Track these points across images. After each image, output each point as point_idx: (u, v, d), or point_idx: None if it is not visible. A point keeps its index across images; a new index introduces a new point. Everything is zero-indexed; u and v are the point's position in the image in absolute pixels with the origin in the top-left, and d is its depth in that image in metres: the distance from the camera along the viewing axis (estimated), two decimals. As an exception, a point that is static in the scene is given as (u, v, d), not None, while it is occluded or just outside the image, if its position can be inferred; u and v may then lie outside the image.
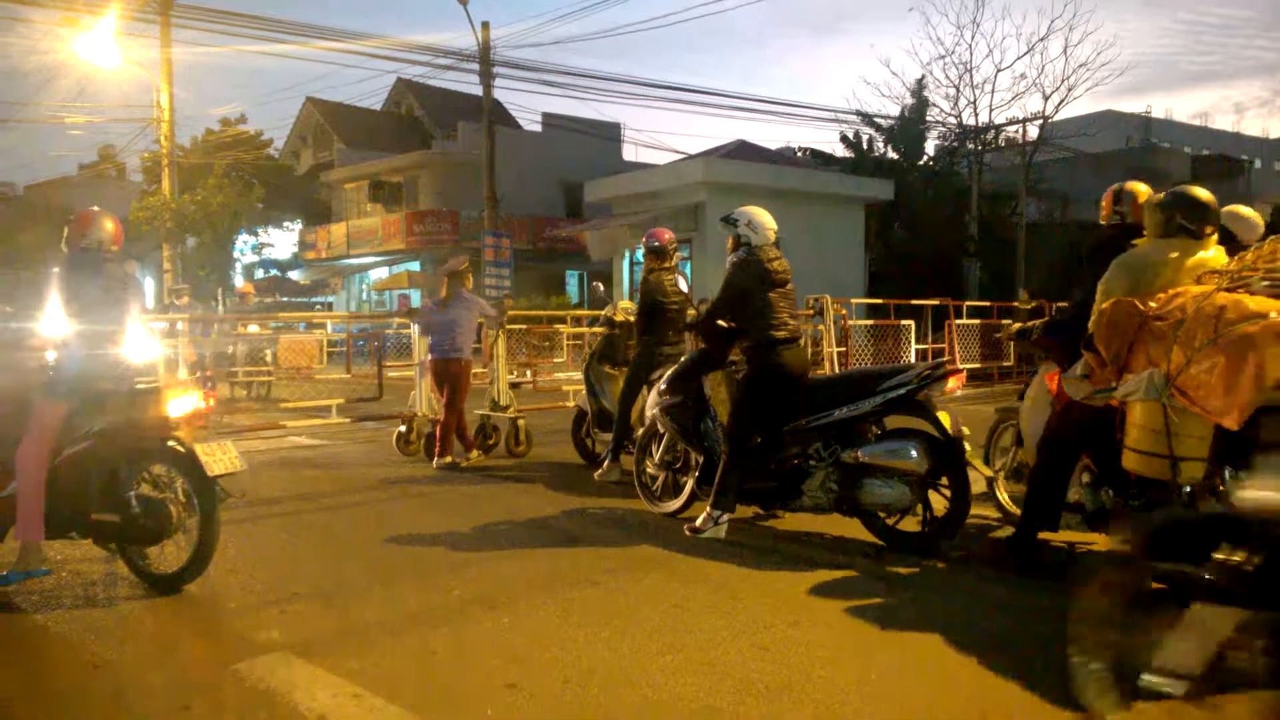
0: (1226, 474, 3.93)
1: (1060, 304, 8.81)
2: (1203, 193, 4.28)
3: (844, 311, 12.87)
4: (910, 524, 5.04)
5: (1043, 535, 4.71)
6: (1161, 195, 4.37)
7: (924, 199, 30.69)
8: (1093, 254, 4.71)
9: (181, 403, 4.37)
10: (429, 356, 8.04)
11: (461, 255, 7.01)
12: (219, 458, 4.29)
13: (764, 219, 5.42)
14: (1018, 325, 5.35)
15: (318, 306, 32.18)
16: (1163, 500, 4.12)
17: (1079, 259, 4.90)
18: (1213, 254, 4.20)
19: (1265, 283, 3.83)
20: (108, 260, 4.63)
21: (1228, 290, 3.86)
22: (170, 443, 4.36)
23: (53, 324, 4.47)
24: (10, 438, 4.37)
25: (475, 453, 8.09)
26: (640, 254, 7.81)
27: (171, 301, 15.88)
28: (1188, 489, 3.96)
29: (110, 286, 4.56)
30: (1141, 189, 4.80)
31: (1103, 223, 4.96)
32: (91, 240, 4.62)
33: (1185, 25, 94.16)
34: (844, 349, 12.64)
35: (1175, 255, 4.17)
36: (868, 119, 32.05)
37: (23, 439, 4.33)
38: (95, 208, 4.79)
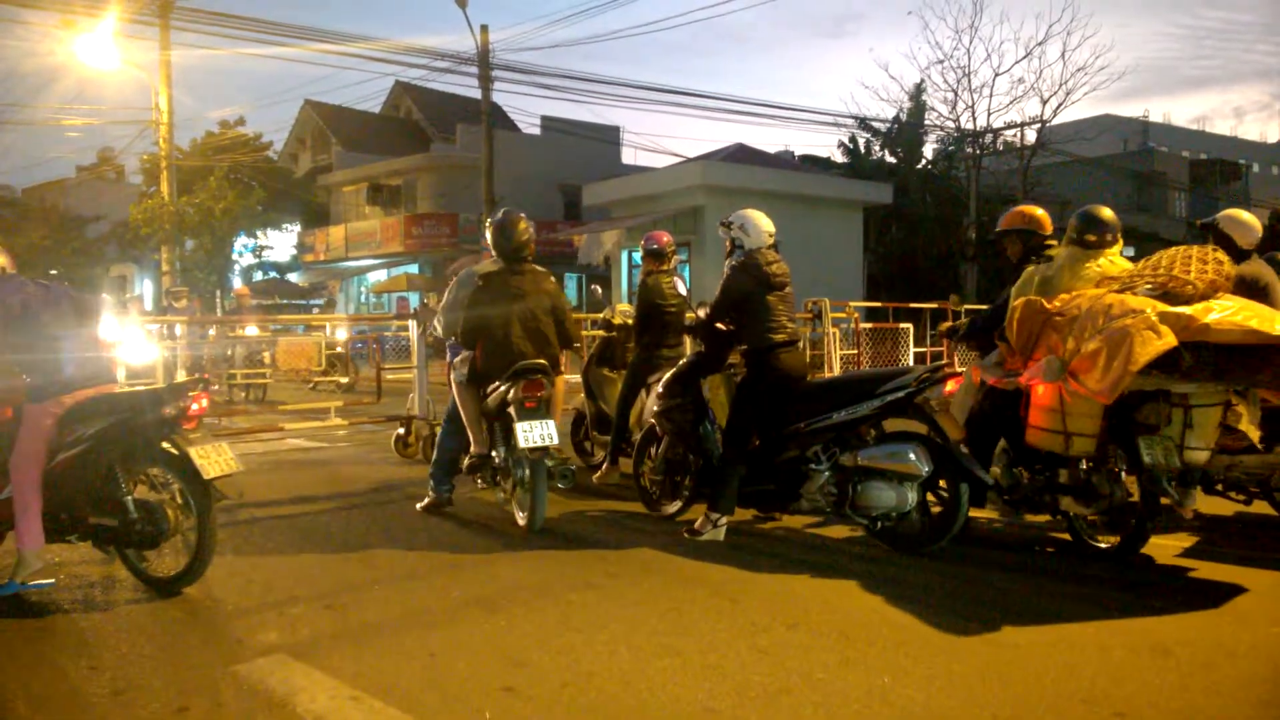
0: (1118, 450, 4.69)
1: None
2: (1105, 211, 5.00)
3: (856, 315, 12.87)
4: (909, 526, 5.04)
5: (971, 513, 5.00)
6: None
7: (922, 203, 30.75)
8: (1019, 264, 5.44)
9: (174, 405, 4.35)
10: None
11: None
12: (214, 460, 4.28)
13: (759, 222, 5.43)
14: (948, 325, 6.16)
15: (315, 309, 32.16)
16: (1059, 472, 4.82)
17: (1012, 268, 5.54)
18: (1113, 262, 4.87)
19: (1147, 286, 4.50)
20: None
21: (1117, 292, 4.47)
22: (165, 445, 4.35)
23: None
24: (4, 443, 4.36)
25: None
26: (638, 257, 7.82)
27: (169, 304, 15.87)
28: (1084, 463, 4.70)
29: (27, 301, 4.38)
30: (1039, 212, 5.59)
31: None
32: None
33: (1186, 30, 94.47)
34: (855, 351, 12.63)
35: (1078, 264, 4.88)
36: (865, 123, 32.12)
37: (16, 444, 4.32)
38: None
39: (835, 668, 3.42)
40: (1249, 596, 4.24)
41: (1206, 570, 4.68)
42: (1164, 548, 5.05)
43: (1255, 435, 4.76)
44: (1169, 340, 4.08)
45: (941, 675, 3.33)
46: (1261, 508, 5.57)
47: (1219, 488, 5.47)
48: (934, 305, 15.45)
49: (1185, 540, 5.25)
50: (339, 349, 15.43)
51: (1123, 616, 3.93)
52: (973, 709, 3.07)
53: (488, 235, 6.18)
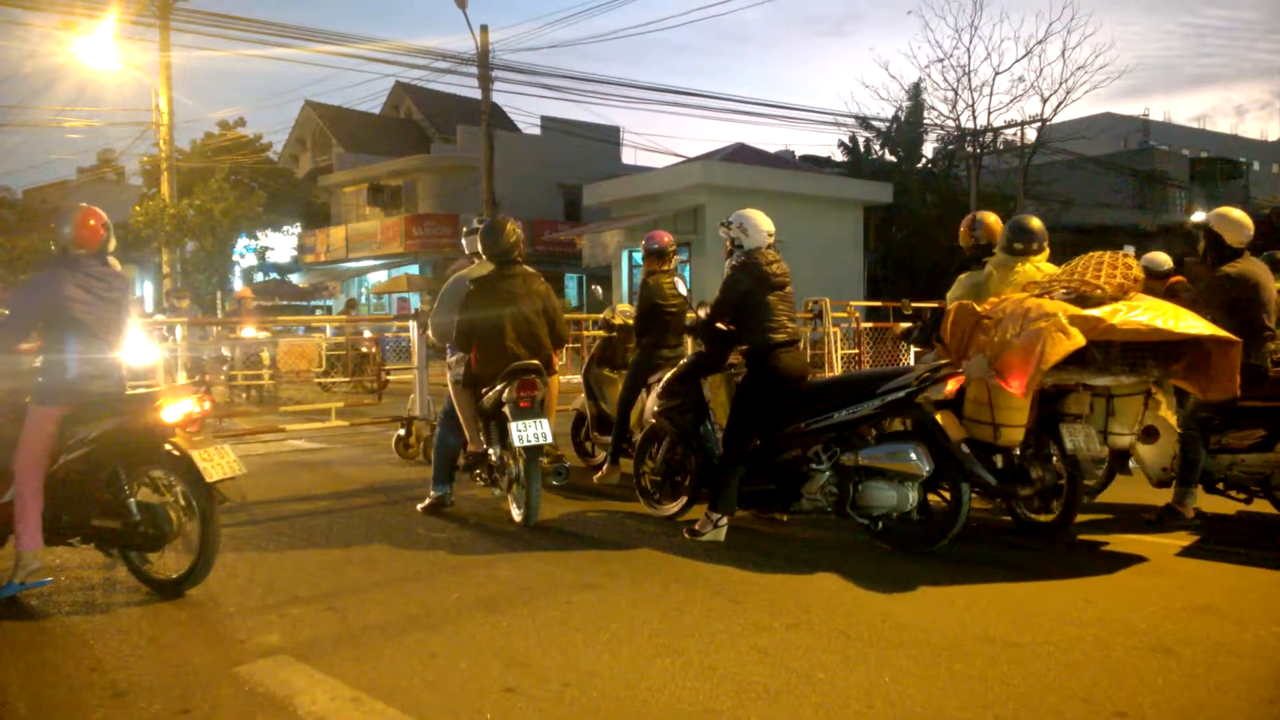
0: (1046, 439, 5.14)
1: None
2: (1034, 221, 5.51)
3: (857, 315, 12.86)
4: (910, 526, 5.04)
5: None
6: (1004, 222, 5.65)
7: (922, 202, 30.75)
8: (958, 270, 5.92)
9: (177, 407, 4.33)
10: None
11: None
12: (217, 462, 4.27)
13: (759, 221, 5.42)
14: (905, 327, 6.73)
15: (318, 310, 32.16)
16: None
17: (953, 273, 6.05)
18: (1039, 268, 5.32)
19: (1062, 291, 4.92)
20: (87, 259, 4.44)
21: (1037, 296, 4.88)
22: (167, 448, 4.35)
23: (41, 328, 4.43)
24: (7, 445, 4.36)
25: None
26: (639, 257, 7.82)
27: (172, 304, 15.85)
28: (1016, 451, 5.06)
29: (93, 286, 4.41)
30: (992, 218, 5.98)
31: (962, 245, 6.07)
32: (66, 240, 4.42)
33: (1189, 28, 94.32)
34: (857, 351, 12.61)
35: (1007, 269, 5.39)
36: (866, 122, 32.12)
37: (18, 446, 4.31)
38: (81, 204, 4.57)
39: (836, 668, 3.41)
40: (1250, 596, 4.23)
41: (1185, 566, 4.69)
42: (1164, 546, 5.05)
43: (1173, 420, 5.30)
44: (1078, 340, 4.47)
45: (943, 675, 3.33)
46: (1265, 507, 5.57)
47: (1220, 486, 5.50)
48: (934, 304, 15.41)
49: (1184, 539, 5.25)
50: (365, 349, 15.14)
51: (1123, 616, 3.93)
52: (974, 709, 3.06)
53: (466, 242, 6.31)
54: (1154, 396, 5.29)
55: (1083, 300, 4.79)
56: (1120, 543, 5.17)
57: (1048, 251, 5.47)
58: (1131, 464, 5.92)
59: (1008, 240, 5.45)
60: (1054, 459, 5.15)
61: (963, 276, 5.75)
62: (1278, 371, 5.35)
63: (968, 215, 6.19)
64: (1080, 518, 5.41)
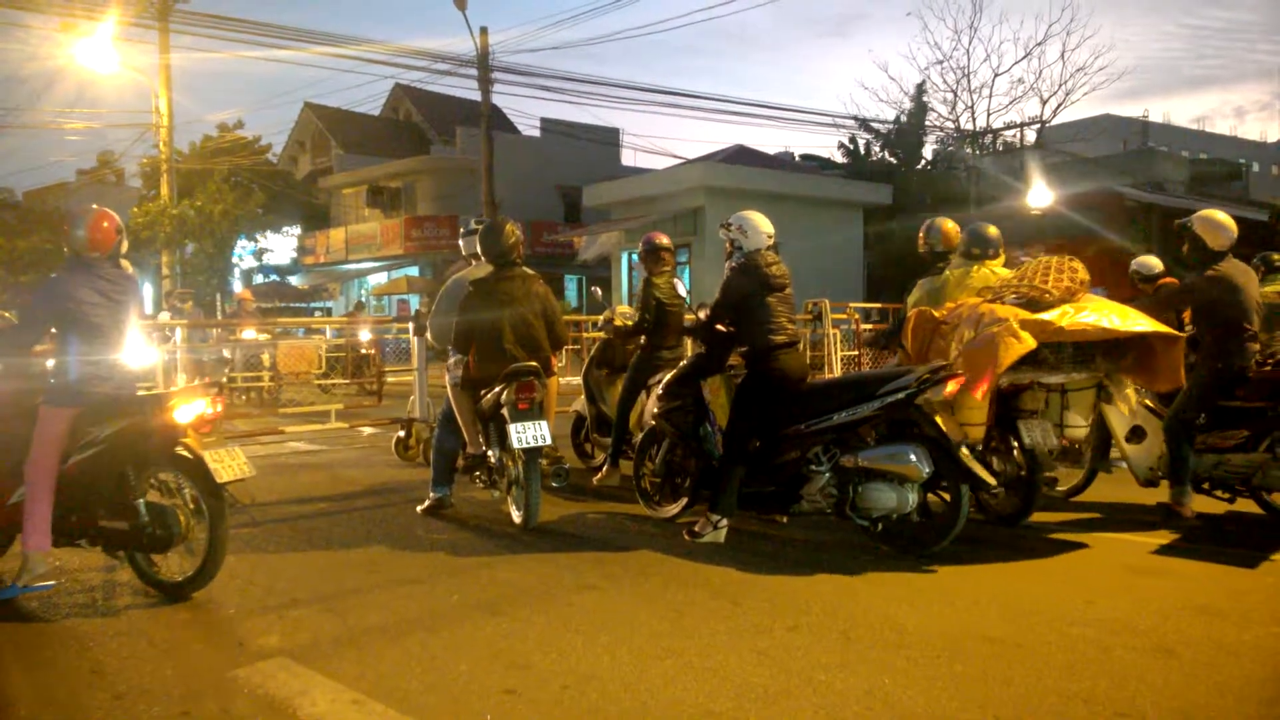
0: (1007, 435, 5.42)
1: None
2: (990, 229, 5.79)
3: (856, 316, 12.86)
4: (910, 527, 5.04)
5: None
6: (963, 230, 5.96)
7: (922, 203, 30.75)
8: (916, 275, 6.23)
9: (189, 408, 4.34)
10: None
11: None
12: (227, 464, 4.28)
13: (758, 223, 5.42)
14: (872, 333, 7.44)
15: (317, 312, 32.16)
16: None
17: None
18: (994, 273, 5.62)
19: (1013, 296, 5.28)
20: (100, 262, 4.46)
21: (990, 302, 5.26)
22: (178, 449, 4.35)
23: (53, 330, 4.45)
24: (19, 445, 4.36)
25: None
26: (638, 258, 7.82)
27: (175, 305, 15.83)
28: (979, 447, 5.18)
29: (105, 289, 4.44)
30: (949, 225, 6.24)
31: (920, 251, 6.33)
32: (80, 242, 4.42)
33: (1188, 29, 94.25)
34: (855, 352, 12.61)
35: (964, 275, 5.68)
36: (865, 124, 32.13)
37: (30, 446, 4.31)
38: (94, 206, 4.57)
39: (836, 669, 3.41)
40: (1251, 597, 4.23)
41: (1185, 567, 4.69)
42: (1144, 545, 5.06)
43: (1126, 410, 5.63)
44: (1029, 344, 4.82)
45: (943, 676, 3.33)
46: (1250, 506, 5.67)
47: (1205, 486, 5.62)
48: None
49: (1164, 537, 5.28)
50: (364, 350, 15.09)
51: (1123, 617, 3.93)
52: (974, 710, 3.06)
53: (464, 243, 6.31)
54: (1106, 389, 5.64)
55: (1033, 304, 5.13)
56: (1117, 543, 5.17)
57: (1004, 257, 5.80)
58: (1118, 462, 6.02)
59: (966, 246, 5.78)
60: (1014, 452, 5.45)
61: (921, 282, 6.03)
62: (1262, 372, 5.44)
63: (925, 221, 6.46)
64: (1069, 517, 5.77)
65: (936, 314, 5.37)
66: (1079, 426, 5.75)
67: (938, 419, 4.92)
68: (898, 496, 4.90)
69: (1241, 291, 5.42)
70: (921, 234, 6.31)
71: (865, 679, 3.32)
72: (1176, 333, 5.31)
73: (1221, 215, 5.60)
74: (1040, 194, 19.90)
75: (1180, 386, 5.38)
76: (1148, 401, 5.83)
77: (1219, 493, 5.62)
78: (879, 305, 15.38)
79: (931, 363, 5.14)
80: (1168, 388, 5.42)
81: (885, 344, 6.36)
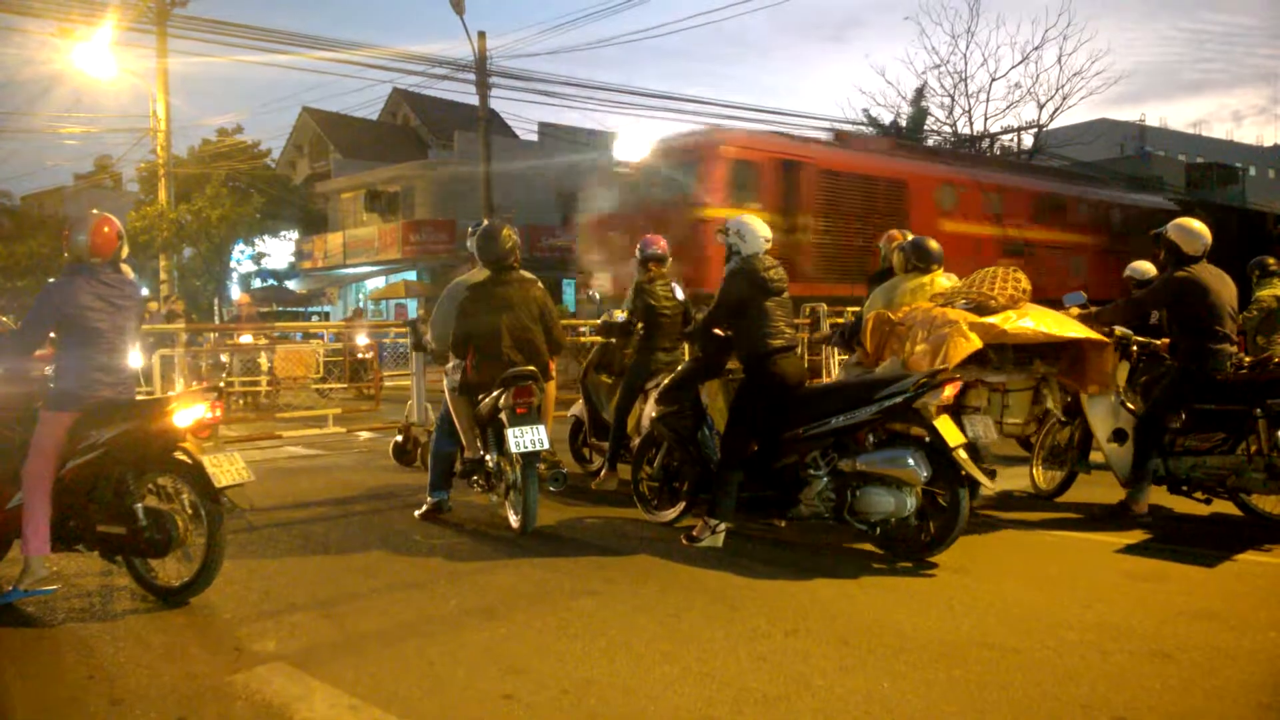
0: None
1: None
2: (932, 243, 6.15)
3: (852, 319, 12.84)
4: (908, 531, 5.04)
5: None
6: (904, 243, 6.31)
7: (920, 207, 30.73)
8: (870, 282, 6.83)
9: (188, 413, 4.34)
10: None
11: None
12: (226, 469, 4.28)
13: (756, 227, 5.43)
14: (821, 334, 8.57)
15: (315, 317, 32.14)
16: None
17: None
18: (936, 282, 5.98)
19: (963, 301, 5.66)
20: (102, 267, 4.45)
21: (942, 306, 5.63)
22: (177, 454, 4.35)
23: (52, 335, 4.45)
24: (17, 449, 4.36)
25: None
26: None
27: (170, 310, 15.83)
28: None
29: (107, 294, 4.43)
30: (901, 236, 6.63)
31: (881, 265, 6.85)
32: (82, 247, 4.41)
33: (1185, 34, 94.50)
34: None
35: (912, 284, 6.01)
36: (872, 122, 32.15)
37: (29, 451, 4.31)
38: (96, 211, 4.57)
39: (834, 674, 3.41)
40: (1247, 601, 4.24)
41: (1180, 571, 4.69)
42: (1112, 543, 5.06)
43: (1058, 409, 6.12)
44: (976, 344, 5.25)
45: (941, 681, 3.33)
46: (1227, 508, 5.72)
47: (1184, 489, 5.71)
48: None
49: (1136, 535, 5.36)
50: (361, 354, 15.01)
51: (1121, 622, 3.93)
52: (972, 715, 3.06)
53: (468, 244, 6.31)
54: (1042, 390, 6.19)
55: (980, 309, 5.55)
56: (1113, 546, 5.18)
57: (941, 270, 6.11)
58: (1099, 462, 6.14)
59: (907, 260, 6.11)
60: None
61: (879, 288, 6.32)
62: (1238, 376, 5.49)
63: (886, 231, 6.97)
64: (1053, 515, 6.04)
65: (893, 317, 5.72)
66: (1017, 423, 6.44)
67: (936, 423, 4.93)
68: (896, 501, 4.90)
69: (1211, 294, 5.56)
70: (881, 243, 6.87)
71: (864, 684, 3.32)
72: (1105, 339, 5.73)
73: (1196, 223, 5.83)
74: None
75: (1110, 388, 5.83)
76: (1129, 404, 5.97)
77: (1197, 494, 5.70)
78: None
79: (891, 358, 5.47)
80: (1098, 390, 5.81)
81: (840, 343, 6.72)
